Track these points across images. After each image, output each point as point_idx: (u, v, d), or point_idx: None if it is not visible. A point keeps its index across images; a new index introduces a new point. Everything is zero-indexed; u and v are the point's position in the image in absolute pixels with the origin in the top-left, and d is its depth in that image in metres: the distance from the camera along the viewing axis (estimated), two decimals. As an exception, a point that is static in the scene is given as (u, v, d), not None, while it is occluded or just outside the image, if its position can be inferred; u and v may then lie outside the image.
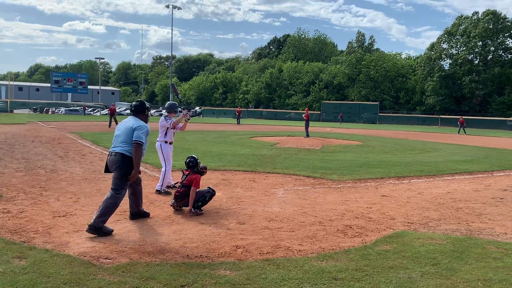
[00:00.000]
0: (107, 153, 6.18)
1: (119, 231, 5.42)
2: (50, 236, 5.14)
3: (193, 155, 6.79)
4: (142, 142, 5.53)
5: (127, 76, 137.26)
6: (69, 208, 6.52)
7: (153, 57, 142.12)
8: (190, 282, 3.87)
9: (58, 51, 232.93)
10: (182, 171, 6.85)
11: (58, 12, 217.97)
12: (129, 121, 5.76)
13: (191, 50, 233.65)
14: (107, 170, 5.67)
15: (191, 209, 6.38)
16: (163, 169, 8.02)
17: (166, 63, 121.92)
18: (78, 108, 67.18)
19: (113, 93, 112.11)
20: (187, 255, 4.60)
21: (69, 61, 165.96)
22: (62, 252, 4.57)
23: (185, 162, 6.73)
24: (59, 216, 6.03)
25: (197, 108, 77.61)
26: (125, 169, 5.46)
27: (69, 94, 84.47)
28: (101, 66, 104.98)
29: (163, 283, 3.84)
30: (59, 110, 65.93)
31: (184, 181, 6.53)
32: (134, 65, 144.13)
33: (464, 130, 36.97)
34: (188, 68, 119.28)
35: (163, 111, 9.24)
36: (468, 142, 25.58)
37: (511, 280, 4.11)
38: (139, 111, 5.91)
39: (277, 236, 5.39)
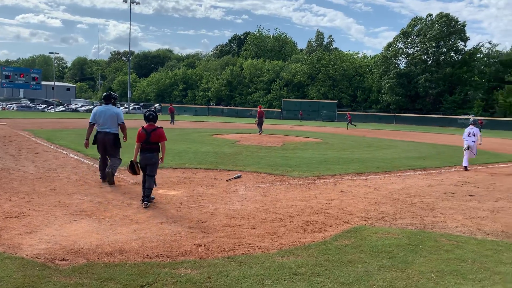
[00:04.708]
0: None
1: (75, 231, 5.26)
2: (1, 238, 4.91)
3: (152, 109, 7.02)
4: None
5: (83, 71, 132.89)
6: (22, 209, 6.25)
7: (110, 53, 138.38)
8: (150, 282, 3.82)
9: (10, 44, 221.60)
10: (142, 126, 6.80)
11: (10, 3, 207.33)
12: (112, 108, 8.39)
13: (151, 46, 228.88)
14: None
15: (143, 201, 6.66)
16: None
17: (124, 59, 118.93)
18: (31, 104, 64.41)
19: (68, 89, 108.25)
20: (147, 255, 4.52)
21: (21, 56, 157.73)
22: (14, 255, 4.38)
23: (145, 115, 6.82)
24: (10, 217, 5.77)
25: (156, 105, 76.22)
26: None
27: (21, 90, 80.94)
28: (55, 61, 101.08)
29: (122, 284, 3.76)
30: (10, 106, 62.94)
31: (151, 139, 6.66)
32: (90, 60, 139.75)
33: (352, 124, 40.38)
34: (147, 64, 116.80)
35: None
36: (421, 139, 26.56)
37: (462, 271, 4.32)
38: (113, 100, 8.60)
39: (238, 234, 5.40)
